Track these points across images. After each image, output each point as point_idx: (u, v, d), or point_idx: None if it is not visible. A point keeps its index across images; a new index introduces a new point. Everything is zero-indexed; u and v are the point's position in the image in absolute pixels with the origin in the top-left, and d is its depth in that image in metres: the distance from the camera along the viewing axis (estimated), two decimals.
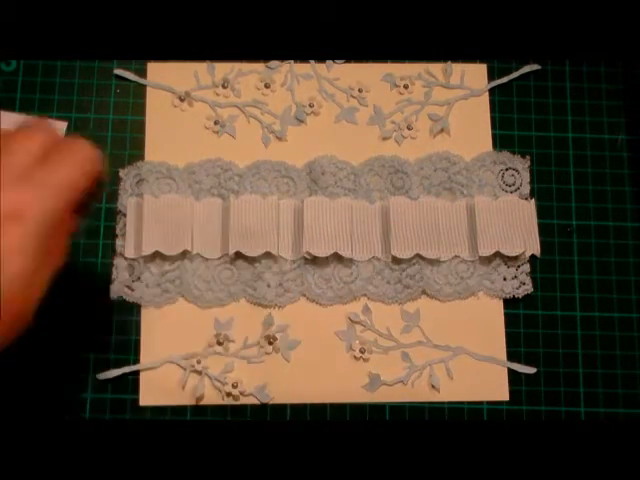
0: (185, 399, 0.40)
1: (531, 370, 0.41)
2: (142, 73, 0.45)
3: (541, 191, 0.44)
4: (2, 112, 0.43)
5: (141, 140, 0.44)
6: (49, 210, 0.29)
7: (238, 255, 0.41)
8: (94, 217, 0.42)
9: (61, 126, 0.44)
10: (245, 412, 0.40)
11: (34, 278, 0.28)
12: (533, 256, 0.43)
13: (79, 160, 0.30)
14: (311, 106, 0.44)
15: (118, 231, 0.42)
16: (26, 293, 0.28)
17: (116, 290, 0.41)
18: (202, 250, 0.42)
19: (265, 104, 0.44)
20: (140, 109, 0.44)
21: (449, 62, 0.45)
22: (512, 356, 0.41)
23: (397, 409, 0.41)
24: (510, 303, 0.42)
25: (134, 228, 0.42)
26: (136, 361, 0.41)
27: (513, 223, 0.42)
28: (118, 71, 0.44)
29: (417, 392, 0.41)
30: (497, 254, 0.42)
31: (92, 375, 0.40)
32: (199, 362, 0.40)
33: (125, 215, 0.42)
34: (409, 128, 0.44)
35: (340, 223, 0.42)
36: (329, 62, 0.45)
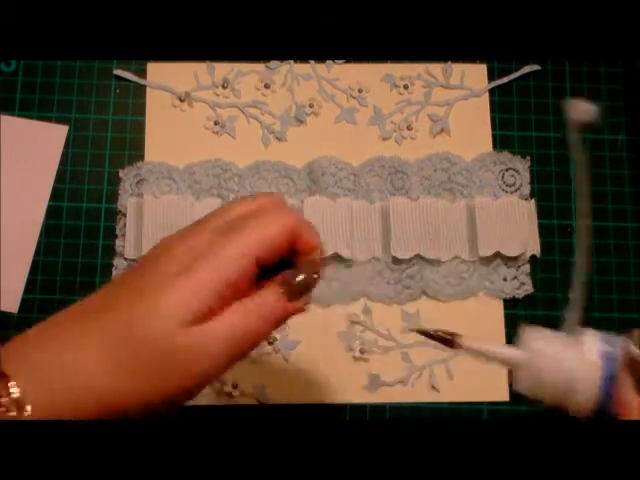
0: None
1: None
2: (142, 73, 0.45)
3: (541, 191, 0.44)
4: (2, 116, 0.43)
5: (141, 140, 0.44)
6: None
7: None
8: (94, 217, 0.42)
9: (61, 130, 0.44)
10: (245, 412, 0.40)
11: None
12: (533, 256, 0.43)
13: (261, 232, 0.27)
14: (311, 106, 0.44)
15: (118, 231, 0.42)
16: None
17: None
18: None
19: (265, 104, 0.44)
20: (140, 109, 0.44)
21: (449, 62, 0.45)
22: None
23: (397, 409, 0.41)
24: (510, 303, 0.42)
25: (134, 228, 0.42)
26: None
27: (513, 223, 0.42)
28: (118, 71, 0.44)
29: (417, 392, 0.41)
30: (497, 254, 0.42)
31: None
32: None
33: (125, 215, 0.42)
34: (409, 128, 0.44)
35: (340, 223, 0.42)
36: (329, 62, 0.45)
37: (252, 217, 0.28)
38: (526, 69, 0.45)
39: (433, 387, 0.41)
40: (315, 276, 0.28)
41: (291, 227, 0.28)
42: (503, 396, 0.41)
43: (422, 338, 0.41)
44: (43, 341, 0.26)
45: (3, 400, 0.24)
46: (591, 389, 0.23)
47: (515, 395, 0.41)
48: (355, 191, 0.43)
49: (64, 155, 0.43)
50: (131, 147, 0.44)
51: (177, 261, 0.26)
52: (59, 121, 0.44)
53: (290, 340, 0.41)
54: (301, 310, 0.28)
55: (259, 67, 0.45)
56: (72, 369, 0.25)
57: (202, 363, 0.26)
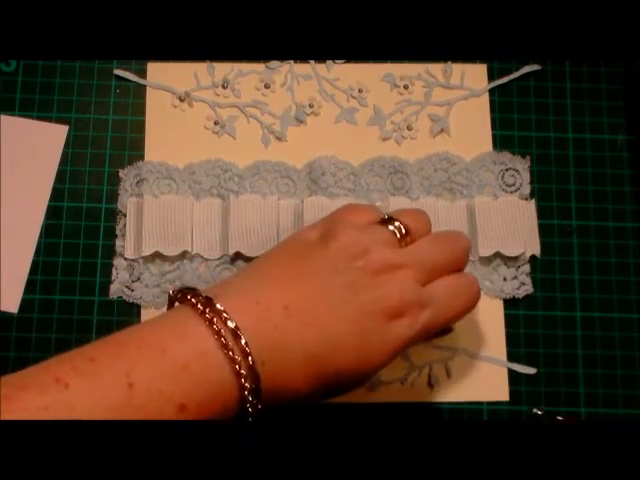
0: None
1: (531, 370, 0.41)
2: (142, 73, 0.45)
3: (541, 191, 0.44)
4: (2, 116, 0.43)
5: (141, 140, 0.44)
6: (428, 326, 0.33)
7: (238, 255, 0.41)
8: (94, 217, 0.42)
9: (61, 130, 0.44)
10: None
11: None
12: (533, 256, 0.43)
13: (471, 300, 0.35)
14: (311, 106, 0.44)
15: (118, 231, 0.42)
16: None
17: (116, 290, 0.41)
18: (202, 250, 0.42)
19: (265, 104, 0.44)
20: (140, 109, 0.44)
21: (449, 62, 0.45)
22: (512, 356, 0.41)
23: (397, 409, 0.41)
24: (510, 303, 0.42)
25: (134, 228, 0.42)
26: None
27: (513, 223, 0.42)
28: (118, 71, 0.44)
29: (417, 392, 0.41)
30: (497, 254, 0.42)
31: None
32: None
33: (125, 215, 0.42)
34: (409, 128, 0.44)
35: None
36: (329, 62, 0.45)
37: (456, 285, 0.34)
38: (526, 69, 0.45)
39: (433, 386, 0.41)
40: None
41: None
42: (503, 396, 0.41)
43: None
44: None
45: (222, 331, 0.28)
46: None
47: (515, 395, 0.41)
48: (355, 191, 0.43)
49: (64, 155, 0.43)
50: (131, 147, 0.44)
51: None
52: (59, 121, 0.44)
53: None
54: None
55: (259, 67, 0.45)
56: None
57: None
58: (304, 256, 0.32)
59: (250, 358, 0.28)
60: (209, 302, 0.29)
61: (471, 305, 0.35)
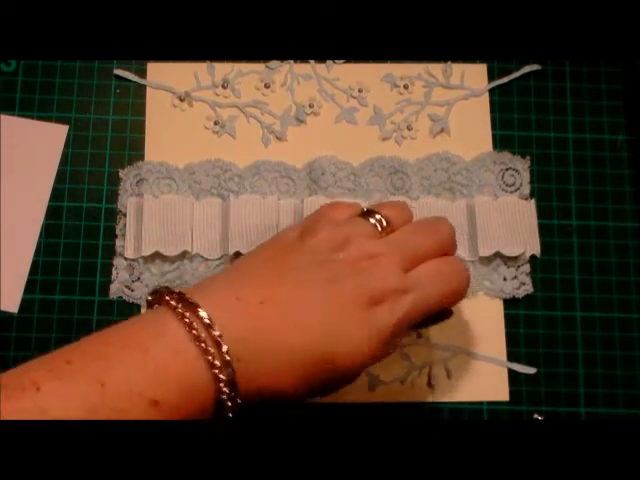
0: None
1: (531, 370, 0.41)
2: (142, 73, 0.45)
3: (541, 191, 0.44)
4: (2, 116, 0.43)
5: (141, 140, 0.44)
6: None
7: (238, 255, 0.41)
8: (94, 217, 0.42)
9: (61, 130, 0.44)
10: (243, 412, 0.40)
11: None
12: (533, 256, 0.43)
13: (454, 283, 0.34)
14: (311, 106, 0.44)
15: (118, 231, 0.42)
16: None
17: (116, 290, 0.41)
18: (202, 250, 0.42)
19: (265, 104, 0.44)
20: (140, 109, 0.44)
21: (449, 62, 0.45)
22: (512, 356, 0.41)
23: (396, 409, 0.41)
24: (510, 303, 0.42)
25: (134, 228, 0.42)
26: None
27: (513, 223, 0.42)
28: (118, 71, 0.45)
29: (416, 392, 0.41)
30: (497, 254, 0.42)
31: None
32: None
33: (125, 215, 0.42)
34: (409, 128, 0.44)
35: None
36: (329, 62, 0.45)
37: (441, 269, 0.33)
38: (526, 69, 0.45)
39: (433, 386, 0.41)
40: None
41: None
42: (503, 396, 0.41)
43: (422, 337, 0.42)
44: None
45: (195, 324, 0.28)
46: None
47: (515, 395, 0.41)
48: (355, 191, 0.43)
49: (64, 155, 0.43)
50: (131, 147, 0.44)
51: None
52: (59, 121, 0.44)
53: None
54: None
55: (259, 67, 0.45)
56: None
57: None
58: (284, 253, 0.32)
59: (225, 348, 0.28)
60: (181, 297, 0.29)
61: (458, 289, 0.34)
